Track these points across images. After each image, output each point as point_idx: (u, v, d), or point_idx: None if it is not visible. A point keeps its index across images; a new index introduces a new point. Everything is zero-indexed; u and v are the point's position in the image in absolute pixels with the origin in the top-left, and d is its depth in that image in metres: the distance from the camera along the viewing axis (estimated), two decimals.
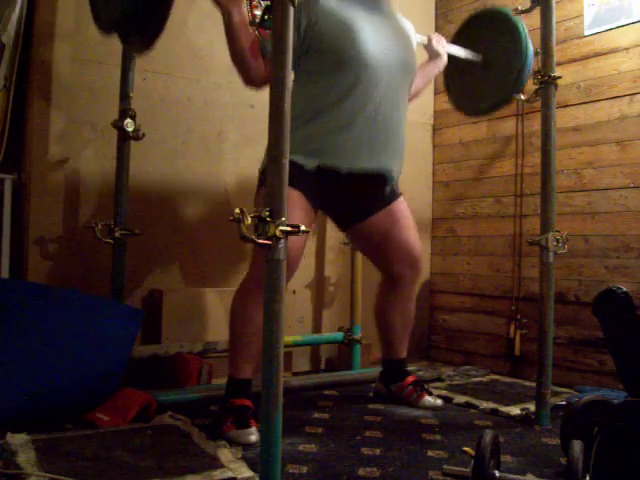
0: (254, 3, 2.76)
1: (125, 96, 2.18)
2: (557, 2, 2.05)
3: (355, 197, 2.03)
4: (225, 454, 1.57)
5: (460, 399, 2.27)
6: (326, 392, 2.39)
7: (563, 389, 2.45)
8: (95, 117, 2.35)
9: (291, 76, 1.24)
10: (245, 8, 1.82)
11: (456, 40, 2.43)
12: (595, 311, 1.49)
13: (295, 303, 2.76)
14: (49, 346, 1.79)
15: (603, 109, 2.59)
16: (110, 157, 2.23)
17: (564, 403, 2.17)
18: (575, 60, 2.69)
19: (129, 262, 2.21)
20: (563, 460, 1.61)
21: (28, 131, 2.31)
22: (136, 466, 1.47)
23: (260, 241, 1.19)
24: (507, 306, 2.90)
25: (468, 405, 2.22)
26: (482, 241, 3.08)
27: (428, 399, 2.20)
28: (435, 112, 3.37)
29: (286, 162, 1.22)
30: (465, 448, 1.73)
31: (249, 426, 1.75)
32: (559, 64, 2.43)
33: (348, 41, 1.88)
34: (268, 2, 1.27)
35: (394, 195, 2.12)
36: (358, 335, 2.79)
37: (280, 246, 1.20)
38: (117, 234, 2.15)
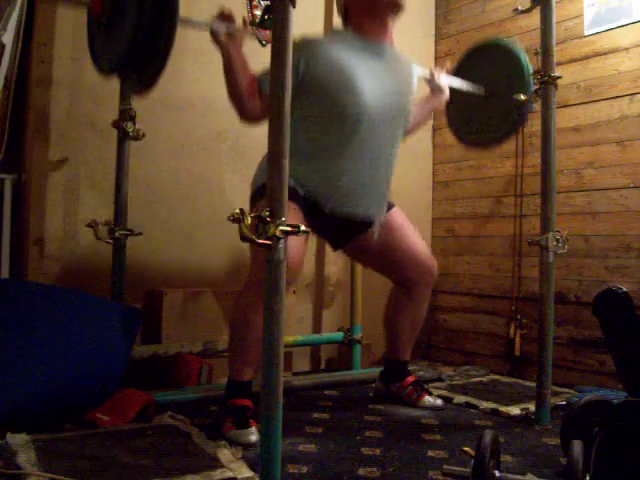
0: (254, 3, 2.76)
1: (125, 96, 2.18)
2: (557, 2, 2.05)
3: (338, 227, 2.04)
4: (225, 454, 1.56)
5: (460, 399, 2.27)
6: (326, 392, 2.39)
7: (563, 389, 2.45)
8: (95, 117, 2.35)
9: (291, 75, 1.24)
10: (244, 49, 1.80)
11: (457, 72, 2.42)
12: (595, 311, 1.49)
13: (295, 303, 2.76)
14: (49, 346, 1.78)
15: (603, 109, 2.59)
16: (110, 157, 2.23)
17: (564, 403, 2.17)
18: (575, 60, 2.70)
19: (129, 262, 2.21)
20: (563, 460, 1.61)
21: (28, 131, 2.31)
22: (136, 466, 1.47)
23: (260, 241, 1.19)
24: (507, 306, 2.90)
25: (468, 405, 2.22)
26: (482, 241, 3.08)
27: (428, 399, 2.20)
28: (435, 112, 3.37)
29: (286, 162, 1.22)
30: (465, 448, 1.73)
31: (249, 426, 1.75)
32: (559, 64, 2.43)
33: (347, 93, 1.87)
34: (268, 2, 1.27)
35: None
36: (358, 335, 2.79)
37: (280, 246, 1.20)
38: (117, 234, 2.15)
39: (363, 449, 1.71)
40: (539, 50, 2.04)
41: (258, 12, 2.75)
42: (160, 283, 2.48)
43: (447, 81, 2.29)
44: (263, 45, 2.75)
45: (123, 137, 2.13)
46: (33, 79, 2.28)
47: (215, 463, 1.50)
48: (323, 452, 1.68)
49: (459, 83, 2.34)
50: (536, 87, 2.02)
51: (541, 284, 1.99)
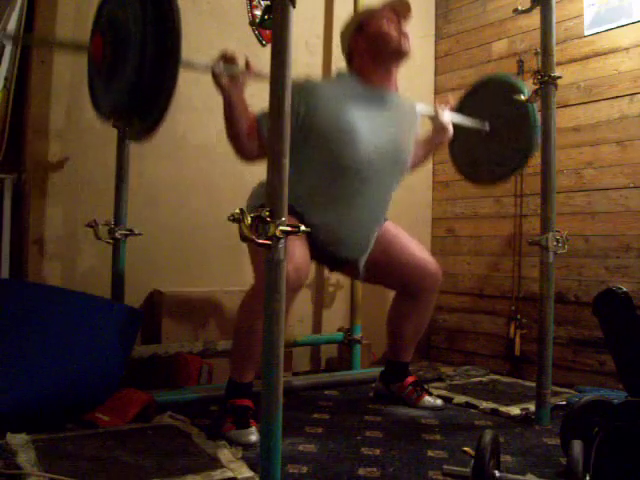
0: (254, 3, 2.77)
1: None
2: (557, 2, 2.05)
3: (327, 258, 2.06)
4: (225, 454, 1.57)
5: (460, 399, 2.27)
6: (326, 392, 2.39)
7: (563, 389, 2.45)
8: (95, 117, 2.34)
9: (291, 75, 1.24)
10: (245, 92, 1.77)
11: (461, 107, 2.40)
12: (595, 311, 1.49)
13: (295, 303, 2.75)
14: (49, 346, 1.78)
15: (603, 109, 2.59)
16: (110, 157, 2.23)
17: (564, 403, 2.17)
18: (575, 60, 2.70)
19: (129, 262, 2.21)
20: (563, 460, 1.61)
21: (28, 131, 2.31)
22: (136, 466, 1.47)
23: (260, 241, 1.19)
24: (507, 306, 2.90)
25: (468, 405, 2.22)
26: (482, 241, 3.08)
27: (428, 399, 2.20)
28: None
29: (286, 162, 1.22)
30: (465, 448, 1.73)
31: (249, 426, 1.75)
32: (559, 64, 2.43)
33: (345, 144, 1.87)
34: (268, 2, 1.27)
35: None
36: (358, 335, 2.79)
37: (280, 246, 1.20)
38: (117, 234, 2.15)
39: (363, 449, 1.71)
40: (539, 50, 2.04)
41: (258, 12, 2.76)
42: (160, 283, 2.48)
43: (451, 118, 2.26)
44: (263, 45, 2.77)
45: (123, 137, 2.13)
46: (33, 79, 2.28)
47: (215, 463, 1.50)
48: (323, 452, 1.68)
49: (463, 120, 2.30)
50: (536, 87, 2.02)
51: (541, 284, 1.99)
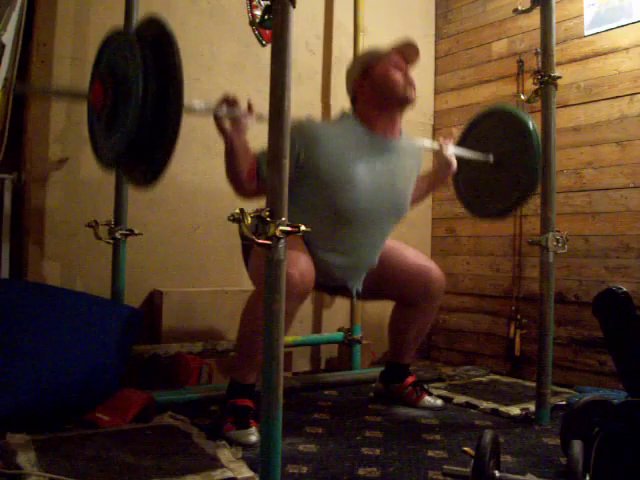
0: (254, 3, 2.77)
1: None
2: (557, 2, 2.05)
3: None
4: (225, 454, 1.57)
5: (460, 399, 2.27)
6: (326, 392, 2.39)
7: (563, 389, 2.45)
8: None
9: (291, 74, 1.24)
10: (247, 136, 1.74)
11: (464, 139, 2.39)
12: (595, 311, 1.48)
13: None
14: (49, 346, 1.79)
15: (603, 109, 2.59)
16: None
17: (564, 403, 2.17)
18: (575, 60, 2.70)
19: (129, 262, 2.21)
20: (563, 460, 1.61)
21: (28, 131, 2.31)
22: (136, 466, 1.47)
23: (260, 241, 1.19)
24: (507, 306, 2.90)
25: (468, 405, 2.22)
26: (482, 241, 3.08)
27: (428, 399, 2.20)
28: (435, 112, 3.37)
29: (286, 162, 1.22)
30: (465, 448, 1.73)
31: (249, 426, 1.75)
32: (559, 64, 2.43)
33: (343, 191, 1.87)
34: (268, 2, 1.26)
35: None
36: (358, 335, 2.79)
37: (280, 246, 1.20)
38: (117, 234, 2.15)
39: (363, 449, 1.71)
40: (539, 50, 2.04)
41: (258, 12, 2.76)
42: (160, 283, 2.48)
43: (455, 151, 2.23)
44: (263, 45, 2.77)
45: None
46: (33, 79, 2.28)
47: (215, 463, 1.50)
48: (323, 452, 1.68)
49: (467, 153, 2.29)
50: (536, 87, 2.02)
51: (541, 284, 1.99)
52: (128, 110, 1.45)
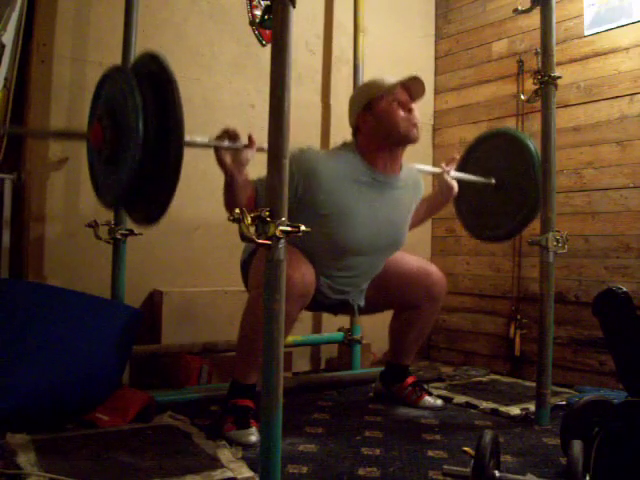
0: (254, 3, 2.77)
1: None
2: (557, 2, 2.05)
3: None
4: (225, 454, 1.57)
5: (460, 399, 2.27)
6: (326, 392, 2.39)
7: (563, 389, 2.46)
8: None
9: (291, 74, 1.24)
10: (246, 170, 1.72)
11: (465, 162, 2.39)
12: (595, 311, 1.48)
13: None
14: (49, 346, 1.78)
15: (603, 109, 2.59)
16: None
17: (564, 403, 2.17)
18: (575, 60, 2.70)
19: (129, 262, 2.21)
20: (563, 460, 1.61)
21: None
22: (136, 466, 1.47)
23: (260, 241, 1.19)
24: (507, 306, 2.90)
25: (468, 405, 2.22)
26: None
27: (428, 399, 2.20)
28: (435, 112, 3.37)
29: (286, 162, 1.22)
30: (465, 448, 1.73)
31: (249, 426, 1.74)
32: (559, 64, 2.43)
33: (343, 229, 1.87)
34: (268, 2, 1.27)
35: None
36: (358, 335, 2.79)
37: (280, 246, 1.20)
38: (117, 234, 2.15)
39: (363, 449, 1.71)
40: (539, 50, 2.04)
41: (258, 12, 2.76)
42: (160, 283, 2.48)
43: (456, 175, 2.23)
44: (263, 45, 2.77)
45: None
46: (33, 79, 2.28)
47: (215, 463, 1.50)
48: (323, 452, 1.68)
49: (469, 177, 2.29)
50: (536, 87, 2.02)
51: (541, 284, 1.99)
52: (128, 150, 1.44)
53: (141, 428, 1.78)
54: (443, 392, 2.36)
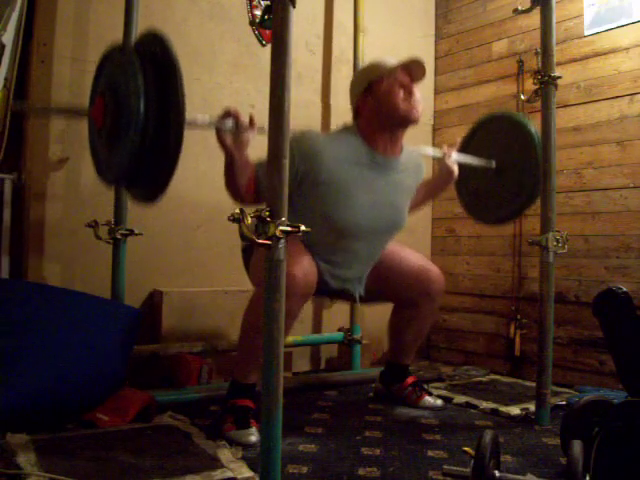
0: (254, 3, 2.77)
1: None
2: (557, 2, 2.05)
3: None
4: (225, 454, 1.57)
5: (460, 399, 2.27)
6: (326, 392, 2.39)
7: (563, 389, 2.46)
8: None
9: (291, 74, 1.24)
10: (247, 151, 1.72)
11: (466, 144, 2.39)
12: (595, 311, 1.48)
13: None
14: (49, 346, 1.78)
15: (603, 109, 2.59)
16: None
17: (564, 403, 2.17)
18: (575, 60, 2.70)
19: (129, 262, 2.21)
20: (563, 460, 1.61)
21: (28, 131, 2.31)
22: (136, 466, 1.47)
23: (260, 241, 1.19)
24: (507, 306, 2.90)
25: (468, 405, 2.22)
26: (482, 241, 3.08)
27: (428, 399, 2.20)
28: (435, 112, 3.37)
29: (286, 162, 1.22)
30: (465, 448, 1.73)
31: (249, 426, 1.75)
32: (559, 64, 2.43)
33: (342, 211, 1.87)
34: (268, 2, 1.27)
35: None
36: (358, 335, 2.79)
37: (280, 246, 1.20)
38: (117, 234, 2.15)
39: (363, 449, 1.71)
40: (539, 50, 2.04)
41: (258, 12, 2.76)
42: (160, 283, 2.48)
43: (457, 158, 2.23)
44: (263, 45, 2.77)
45: None
46: (33, 79, 2.28)
47: (215, 463, 1.50)
48: (323, 452, 1.68)
49: (469, 159, 2.29)
50: (536, 87, 2.02)
51: (541, 284, 1.99)
52: (129, 129, 1.44)
53: (141, 428, 1.78)
54: (443, 392, 2.36)
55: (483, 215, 2.46)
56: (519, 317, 2.82)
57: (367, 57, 2.89)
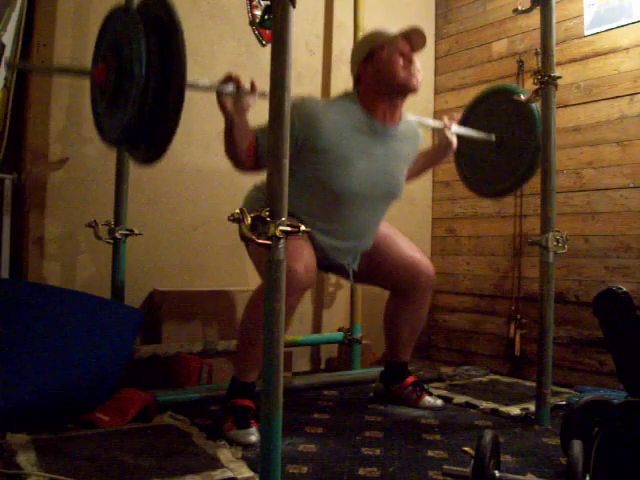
0: (254, 3, 2.77)
1: None
2: (557, 2, 2.05)
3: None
4: (225, 454, 1.57)
5: (460, 399, 2.27)
6: (326, 392, 2.39)
7: (563, 389, 2.46)
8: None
9: (291, 74, 1.24)
10: (247, 115, 1.73)
11: (466, 118, 2.39)
12: (595, 311, 1.49)
13: None
14: (49, 346, 1.78)
15: (603, 109, 2.59)
16: (110, 157, 2.23)
17: (564, 403, 2.17)
18: (575, 60, 2.70)
19: (129, 262, 2.21)
20: (563, 460, 1.61)
21: (28, 131, 2.31)
22: (136, 466, 1.48)
23: (260, 241, 1.19)
24: (507, 306, 2.90)
25: (468, 405, 2.22)
26: (482, 241, 3.08)
27: (428, 399, 2.20)
28: (435, 112, 3.37)
29: (286, 162, 1.22)
30: (465, 448, 1.73)
31: (249, 426, 1.74)
32: (559, 64, 2.43)
33: (338, 175, 1.87)
34: (268, 2, 1.27)
35: None
36: (358, 335, 2.79)
37: (280, 246, 1.20)
38: (117, 234, 2.15)
39: (363, 449, 1.71)
40: (539, 50, 2.04)
41: (258, 12, 2.76)
42: (160, 283, 2.48)
43: (457, 130, 2.24)
44: (263, 45, 2.77)
45: None
46: (33, 79, 2.28)
47: (215, 463, 1.51)
48: (323, 452, 1.68)
49: (469, 132, 2.29)
50: (536, 87, 2.02)
51: (541, 284, 1.99)
52: (131, 89, 1.45)
53: (141, 428, 1.78)
54: (443, 392, 2.36)
55: (482, 188, 2.47)
56: (519, 317, 2.82)
57: None
